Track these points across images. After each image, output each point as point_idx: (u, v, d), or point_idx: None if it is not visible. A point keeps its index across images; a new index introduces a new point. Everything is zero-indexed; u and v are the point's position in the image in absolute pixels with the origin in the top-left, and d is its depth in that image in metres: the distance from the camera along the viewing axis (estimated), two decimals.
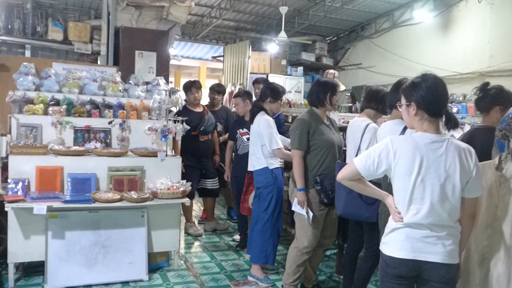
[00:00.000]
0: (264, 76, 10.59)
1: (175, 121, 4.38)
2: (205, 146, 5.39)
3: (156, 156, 4.11)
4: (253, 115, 4.26)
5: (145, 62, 5.09)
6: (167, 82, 5.03)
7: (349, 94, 10.19)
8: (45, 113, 4.20)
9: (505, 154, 2.02)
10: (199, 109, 5.41)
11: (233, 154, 5.24)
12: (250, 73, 10.69)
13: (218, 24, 11.20)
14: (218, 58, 12.67)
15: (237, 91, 6.95)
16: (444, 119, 2.03)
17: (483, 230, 2.13)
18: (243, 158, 4.56)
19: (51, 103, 4.26)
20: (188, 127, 4.49)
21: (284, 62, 11.48)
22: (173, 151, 4.58)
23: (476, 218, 2.14)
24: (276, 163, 4.11)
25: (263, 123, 4.08)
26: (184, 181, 4.16)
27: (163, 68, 5.21)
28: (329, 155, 3.51)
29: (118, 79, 4.62)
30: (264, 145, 4.07)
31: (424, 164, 1.93)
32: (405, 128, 2.66)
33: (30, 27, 8.98)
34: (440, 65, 8.72)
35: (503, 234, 2.05)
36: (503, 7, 7.77)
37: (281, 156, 4.09)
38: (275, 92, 4.22)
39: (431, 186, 1.93)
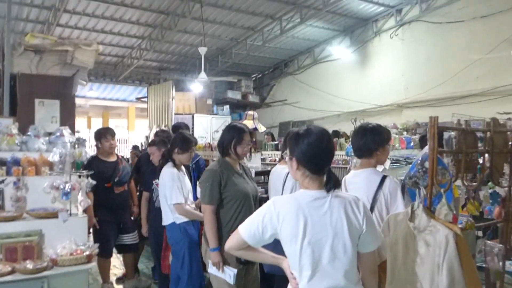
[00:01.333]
0: (189, 117, 10.36)
1: (80, 176, 3.96)
2: (121, 198, 4.94)
3: (57, 217, 3.65)
4: (161, 166, 3.96)
5: (46, 111, 4.64)
6: (73, 131, 4.60)
7: (266, 133, 10.24)
8: None
9: (417, 203, 1.89)
10: (113, 158, 4.98)
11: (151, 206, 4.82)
12: (175, 114, 10.42)
13: (140, 64, 10.90)
14: (142, 99, 12.29)
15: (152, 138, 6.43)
16: (325, 178, 1.80)
17: (402, 286, 1.96)
18: (161, 211, 4.16)
19: None
20: (94, 182, 4.04)
21: (210, 101, 11.33)
22: (81, 206, 4.07)
23: (392, 273, 1.97)
24: (184, 217, 3.76)
25: (166, 175, 3.79)
26: (91, 243, 3.71)
27: (68, 116, 4.78)
28: (244, 207, 3.13)
29: (15, 131, 4.15)
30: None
31: (309, 225, 1.72)
32: (383, 178, 2.41)
33: None
34: (360, 98, 9.00)
35: None
36: (413, 42, 8.20)
37: (180, 212, 3.69)
38: (184, 143, 3.93)
39: (319, 248, 1.71)
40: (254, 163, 5.39)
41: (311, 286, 1.71)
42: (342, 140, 7.39)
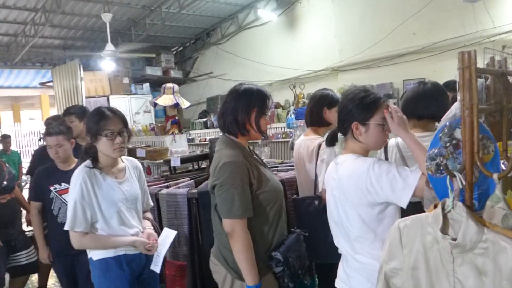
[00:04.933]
0: (103, 99, 9.13)
1: None
2: (9, 209, 3.82)
3: None
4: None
5: None
6: None
7: None
8: None
9: (450, 200, 1.14)
10: None
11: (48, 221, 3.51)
12: (86, 97, 9.12)
13: (39, 44, 9.38)
14: (47, 84, 10.73)
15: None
16: None
17: None
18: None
19: None
20: None
21: (126, 80, 10.09)
22: None
23: None
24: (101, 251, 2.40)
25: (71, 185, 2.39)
26: None
27: None
28: (279, 211, 2.16)
29: None
30: None
31: None
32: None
33: None
34: (292, 64, 8.30)
35: None
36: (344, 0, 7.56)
37: (75, 243, 2.34)
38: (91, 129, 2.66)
39: None
40: (179, 146, 4.45)
41: None
42: (280, 110, 6.62)
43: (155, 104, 4.51)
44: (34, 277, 4.96)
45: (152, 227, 2.55)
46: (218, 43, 10.29)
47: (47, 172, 3.31)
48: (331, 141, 2.04)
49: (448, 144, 1.18)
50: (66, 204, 2.66)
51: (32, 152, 4.26)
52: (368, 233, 1.67)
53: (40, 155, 4.03)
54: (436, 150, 1.21)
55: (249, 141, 2.24)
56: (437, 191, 1.24)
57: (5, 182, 3.77)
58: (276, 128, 6.46)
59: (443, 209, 1.14)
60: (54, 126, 3.29)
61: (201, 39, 10.86)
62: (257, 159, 2.21)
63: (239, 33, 9.75)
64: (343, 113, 1.81)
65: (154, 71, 10.56)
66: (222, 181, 1.99)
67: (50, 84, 10.38)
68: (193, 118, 10.38)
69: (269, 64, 8.88)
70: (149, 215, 2.67)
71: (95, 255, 2.38)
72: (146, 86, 10.29)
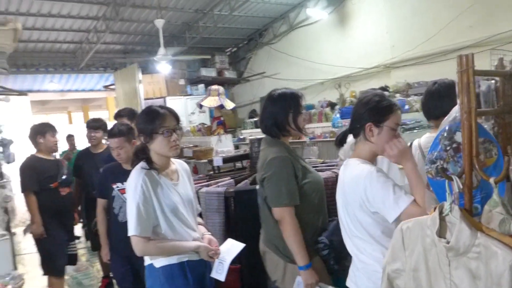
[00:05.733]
0: (160, 101, 9.52)
1: (2, 186, 3.16)
2: (68, 201, 4.15)
3: None
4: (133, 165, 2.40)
5: None
6: None
7: None
8: None
9: (448, 204, 1.14)
10: (52, 157, 4.20)
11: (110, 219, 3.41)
12: (145, 99, 9.56)
13: (102, 49, 9.96)
14: (110, 87, 11.35)
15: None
16: None
17: None
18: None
19: None
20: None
21: (182, 82, 10.45)
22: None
23: None
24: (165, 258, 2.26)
25: (129, 186, 2.28)
26: (16, 273, 2.92)
27: None
28: (322, 199, 2.43)
29: None
30: None
31: None
32: None
33: None
34: (344, 62, 8.21)
35: None
36: None
37: (139, 249, 2.18)
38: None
39: None
40: (225, 146, 4.59)
41: None
42: (328, 110, 6.60)
43: (201, 106, 4.68)
44: (98, 266, 5.33)
45: (209, 232, 2.46)
46: (270, 43, 10.37)
47: (112, 170, 3.33)
48: (340, 142, 2.09)
49: (448, 148, 1.18)
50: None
51: None
52: (367, 236, 1.73)
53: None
54: (436, 153, 1.21)
55: (294, 140, 2.48)
56: (438, 194, 1.24)
57: (64, 176, 4.12)
58: (324, 127, 6.45)
59: (440, 212, 1.15)
60: (116, 128, 3.31)
61: (254, 40, 11.00)
62: (299, 155, 2.46)
63: (290, 32, 9.78)
64: (357, 114, 1.86)
65: (209, 72, 10.83)
66: (270, 174, 2.26)
67: (113, 87, 10.97)
68: (247, 117, 10.58)
69: (321, 63, 8.83)
70: (200, 220, 2.58)
71: (157, 261, 2.25)
72: (201, 87, 10.59)
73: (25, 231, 4.03)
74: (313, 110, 7.43)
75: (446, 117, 1.22)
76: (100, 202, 3.40)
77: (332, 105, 7.35)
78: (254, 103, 11.01)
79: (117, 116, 4.30)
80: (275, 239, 2.34)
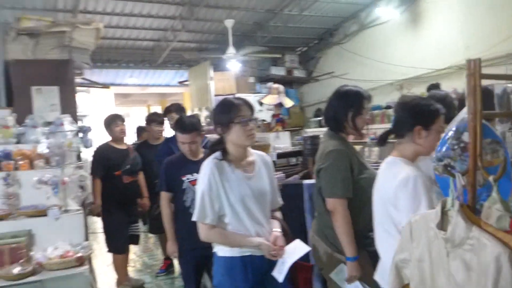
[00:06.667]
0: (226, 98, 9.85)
1: (80, 167, 3.56)
2: (131, 189, 4.53)
3: (47, 215, 3.26)
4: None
5: (44, 99, 4.26)
6: (75, 120, 4.21)
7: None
8: None
9: (450, 199, 1.20)
10: (123, 146, 4.60)
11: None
12: (215, 95, 9.94)
13: (178, 47, 10.49)
14: (184, 83, 11.93)
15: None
16: None
17: None
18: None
19: None
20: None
21: (252, 79, 10.72)
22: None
23: None
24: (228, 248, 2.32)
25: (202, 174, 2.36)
26: (86, 243, 3.29)
27: (69, 104, 4.38)
28: (370, 198, 2.37)
29: (11, 122, 3.81)
30: None
31: None
32: None
33: None
34: (415, 63, 7.98)
35: None
36: None
37: (203, 235, 2.32)
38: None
39: None
40: (282, 143, 4.74)
41: None
42: (390, 111, 6.50)
43: (260, 103, 4.87)
44: (159, 250, 5.72)
45: (280, 228, 2.42)
46: (341, 42, 10.31)
47: (178, 162, 3.27)
48: (383, 142, 2.14)
49: (455, 147, 1.24)
50: None
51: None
52: (395, 231, 1.78)
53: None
54: (442, 152, 1.27)
55: (356, 140, 2.58)
56: (444, 190, 1.31)
57: (128, 166, 4.52)
58: (387, 128, 6.34)
59: (443, 207, 1.21)
60: (189, 122, 3.24)
61: (324, 39, 10.99)
62: (358, 152, 2.54)
63: (361, 32, 9.66)
64: (405, 117, 1.92)
65: (278, 71, 11.02)
66: (327, 166, 2.36)
67: (187, 83, 11.52)
68: (312, 116, 10.63)
69: (391, 63, 8.65)
70: (278, 214, 2.54)
71: (220, 250, 2.31)
72: (270, 85, 10.80)
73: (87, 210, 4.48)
74: (376, 111, 7.33)
75: (455, 117, 1.28)
76: (165, 196, 3.30)
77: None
78: (322, 102, 11.01)
79: (167, 111, 4.65)
80: (325, 229, 2.43)
